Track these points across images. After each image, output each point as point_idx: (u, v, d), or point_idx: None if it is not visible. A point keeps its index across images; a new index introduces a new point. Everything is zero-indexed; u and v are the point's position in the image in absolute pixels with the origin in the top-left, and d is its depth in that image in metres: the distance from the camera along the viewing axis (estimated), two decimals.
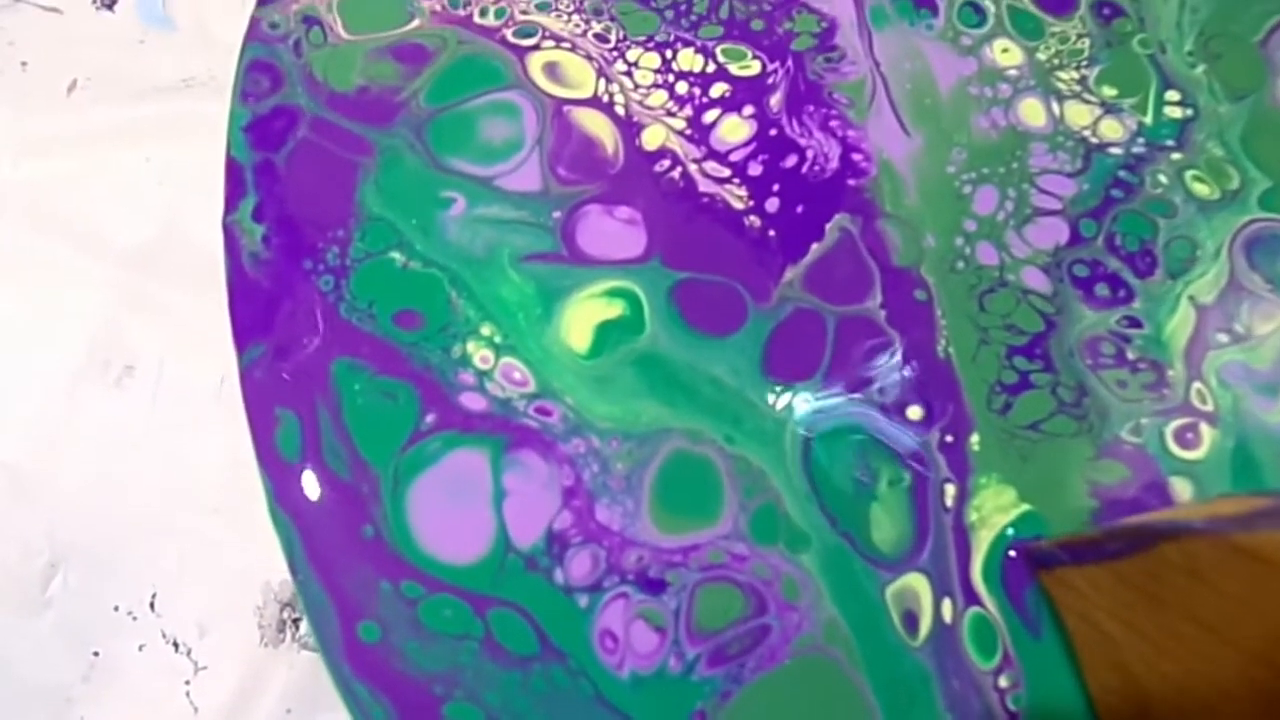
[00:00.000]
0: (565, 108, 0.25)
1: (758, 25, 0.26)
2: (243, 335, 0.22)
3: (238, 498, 0.23)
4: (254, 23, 0.25)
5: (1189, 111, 0.25)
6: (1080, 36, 0.26)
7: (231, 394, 0.22)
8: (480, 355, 0.22)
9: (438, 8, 0.26)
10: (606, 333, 0.22)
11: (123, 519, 0.24)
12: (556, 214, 0.24)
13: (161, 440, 0.24)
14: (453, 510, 0.21)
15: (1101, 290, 0.23)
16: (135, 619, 0.23)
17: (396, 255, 0.23)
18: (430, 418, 0.21)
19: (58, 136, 0.28)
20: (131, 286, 0.26)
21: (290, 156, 0.24)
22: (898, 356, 0.22)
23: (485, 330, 0.22)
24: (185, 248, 0.26)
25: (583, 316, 0.23)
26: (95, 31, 0.30)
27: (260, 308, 0.22)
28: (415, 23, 0.25)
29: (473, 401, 0.22)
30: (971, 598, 0.21)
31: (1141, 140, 0.25)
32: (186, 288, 0.26)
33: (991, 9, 0.26)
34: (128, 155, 0.28)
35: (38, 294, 0.26)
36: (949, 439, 0.22)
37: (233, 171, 0.24)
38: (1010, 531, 0.21)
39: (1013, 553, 0.21)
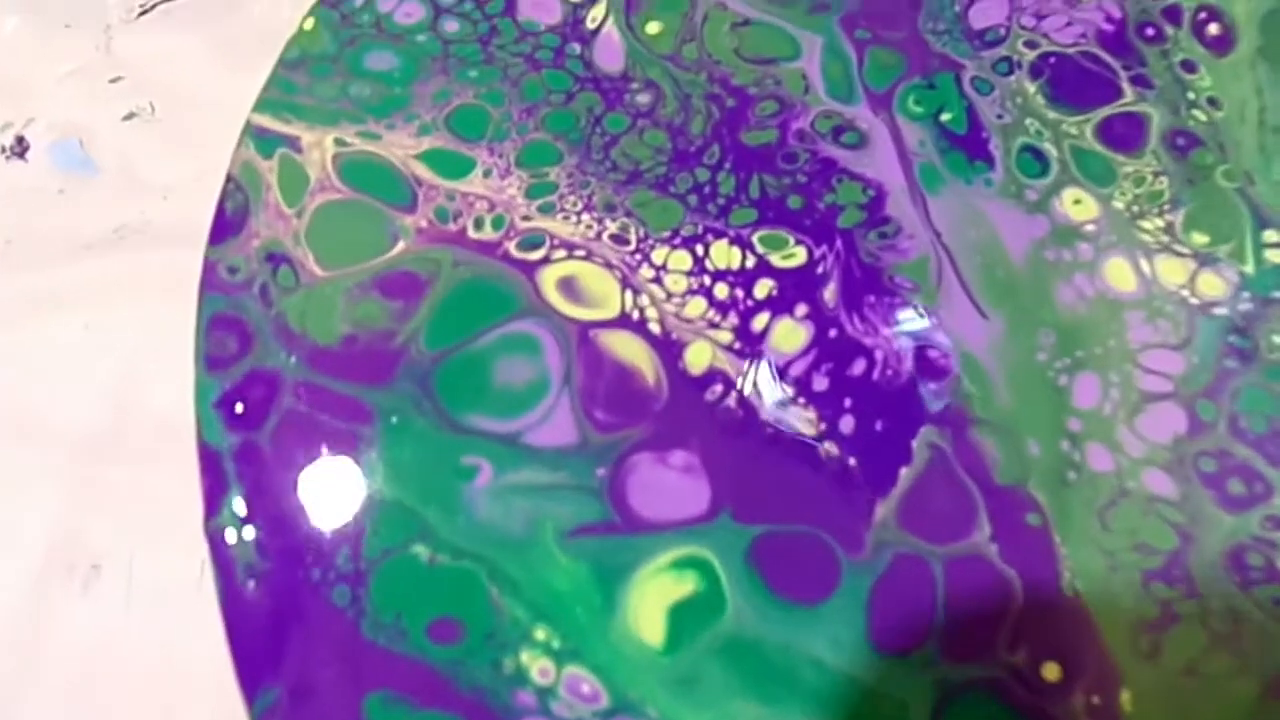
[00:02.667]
0: (591, 333, 0.21)
1: (795, 202, 0.23)
2: (250, 678, 0.18)
3: (230, 704, 0.20)
4: (209, 268, 0.21)
5: None
6: (1157, 175, 0.23)
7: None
8: (539, 667, 0.19)
9: (424, 224, 0.22)
10: (683, 617, 0.19)
11: None
12: (601, 471, 0.20)
13: (140, 647, 0.22)
14: None
15: (1235, 487, 0.20)
16: None
17: (421, 549, 0.19)
18: None
19: None
20: (86, 475, 0.24)
21: (276, 435, 0.20)
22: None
23: (540, 634, 0.19)
24: (141, 423, 0.24)
25: (652, 600, 0.19)
26: (8, 184, 0.27)
27: (265, 639, 0.19)
28: (400, 246, 0.22)
29: None
30: None
31: (1247, 295, 0.22)
32: (148, 469, 0.23)
33: (1053, 153, 0.23)
34: (65, 326, 0.25)
35: None
36: (1095, 700, 0.19)
37: (208, 462, 0.20)
38: None
39: None
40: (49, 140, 0.27)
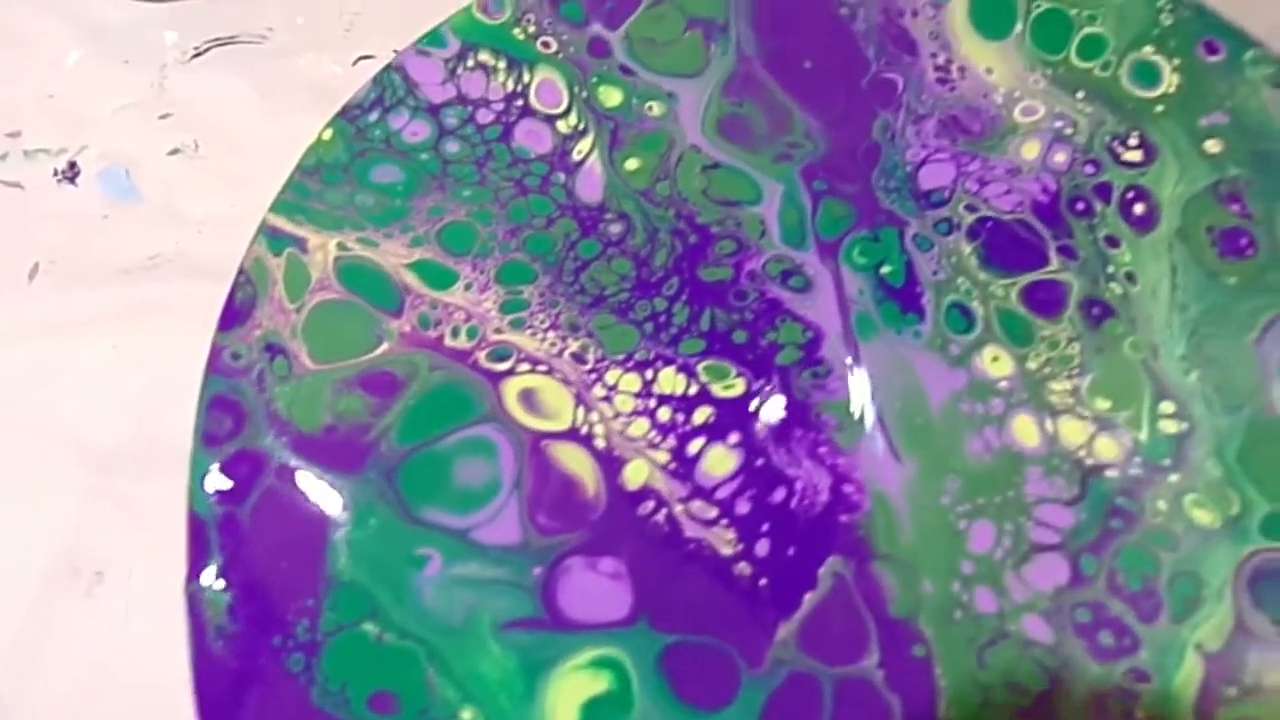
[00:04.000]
0: (543, 443, 0.24)
1: (740, 337, 0.25)
2: None
3: None
4: (215, 352, 0.24)
5: (1184, 425, 0.24)
6: (1071, 341, 0.25)
7: None
8: None
9: (407, 328, 0.25)
10: (594, 712, 0.21)
11: None
12: (537, 570, 0.22)
13: (137, 655, 0.24)
14: None
15: (1106, 639, 0.22)
16: None
17: (370, 627, 0.22)
18: None
19: (20, 327, 0.27)
20: (100, 487, 0.25)
21: (255, 511, 0.23)
22: None
23: (466, 715, 0.21)
24: (157, 443, 0.26)
25: (568, 694, 0.21)
26: (57, 208, 0.29)
27: (227, 695, 0.21)
28: (384, 347, 0.24)
29: None
30: None
31: (1138, 460, 0.24)
32: (159, 485, 0.25)
33: (979, 312, 0.25)
34: (94, 345, 0.27)
35: (1, 499, 0.25)
36: None
37: (195, 530, 0.22)
38: None
39: None
40: (99, 168, 0.29)
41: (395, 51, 0.30)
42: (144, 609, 0.25)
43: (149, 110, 0.30)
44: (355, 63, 0.31)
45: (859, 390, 0.25)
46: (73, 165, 0.29)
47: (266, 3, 0.31)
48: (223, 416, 0.24)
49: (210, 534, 0.22)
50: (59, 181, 0.29)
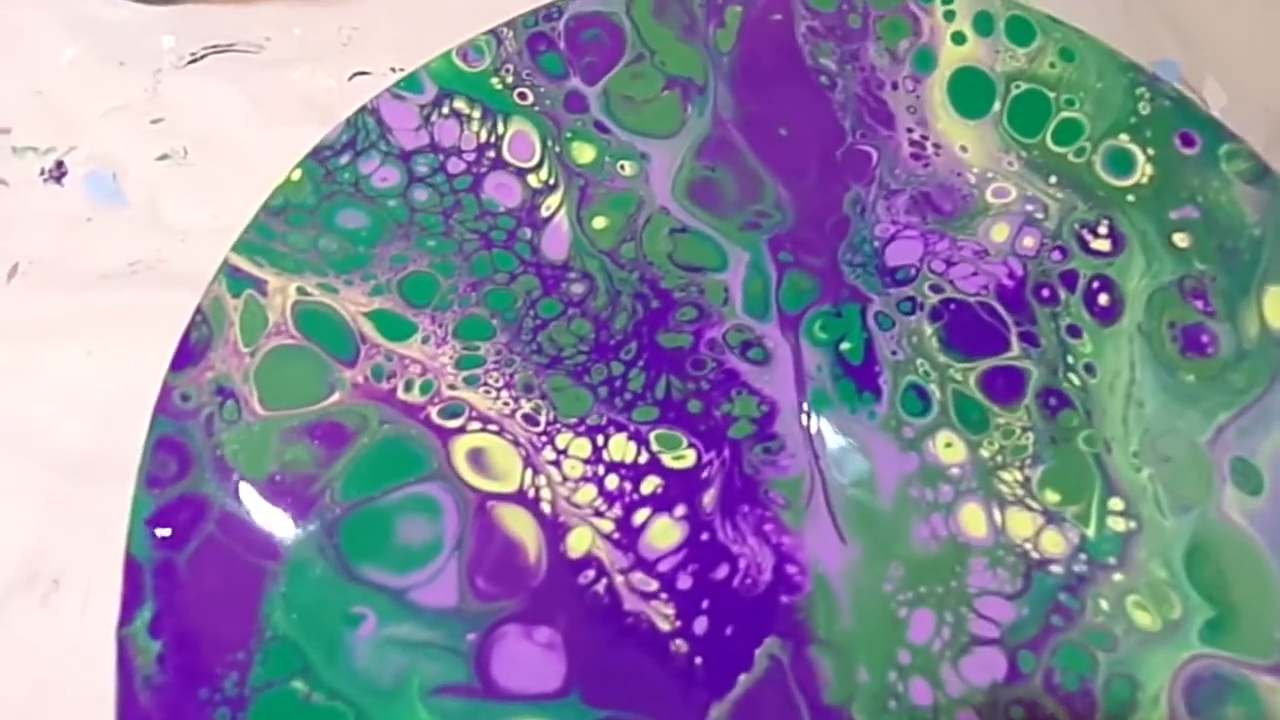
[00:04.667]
0: (489, 504, 0.23)
1: (695, 407, 0.25)
2: None
3: None
4: (165, 392, 0.24)
5: (1132, 524, 0.24)
6: (1025, 430, 0.25)
7: None
8: None
9: (360, 379, 0.24)
10: None
11: None
12: (471, 636, 0.22)
13: (89, 663, 0.23)
14: None
15: None
16: None
17: (300, 685, 0.22)
18: None
19: None
20: (65, 494, 0.25)
21: (193, 558, 0.22)
22: None
23: None
24: (123, 453, 0.25)
25: None
26: (41, 208, 0.29)
27: None
28: (335, 396, 0.24)
29: None
30: None
31: (1084, 557, 0.24)
32: (122, 496, 0.24)
33: (936, 395, 0.25)
34: (68, 349, 0.27)
35: None
36: None
37: (131, 574, 0.22)
38: None
39: None
40: (86, 169, 0.29)
41: (392, 69, 0.31)
42: (99, 619, 0.24)
43: (141, 114, 0.30)
44: (351, 78, 0.31)
45: (809, 469, 0.25)
46: (60, 165, 0.29)
47: (265, 12, 0.31)
48: (168, 459, 0.23)
49: (146, 579, 0.22)
50: (45, 181, 0.29)
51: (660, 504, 0.24)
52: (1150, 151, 0.28)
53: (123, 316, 0.27)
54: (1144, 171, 0.28)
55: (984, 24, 0.29)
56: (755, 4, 0.29)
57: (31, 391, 0.27)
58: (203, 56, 0.31)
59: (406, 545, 0.23)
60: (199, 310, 0.25)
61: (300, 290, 0.25)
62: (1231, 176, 0.27)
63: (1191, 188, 0.27)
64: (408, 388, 0.25)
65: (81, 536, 0.25)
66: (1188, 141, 0.28)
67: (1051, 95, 0.28)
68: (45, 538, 0.25)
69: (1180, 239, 0.27)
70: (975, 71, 0.29)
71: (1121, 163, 0.28)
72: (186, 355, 0.24)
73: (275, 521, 0.23)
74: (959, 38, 0.29)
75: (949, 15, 0.29)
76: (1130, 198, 0.27)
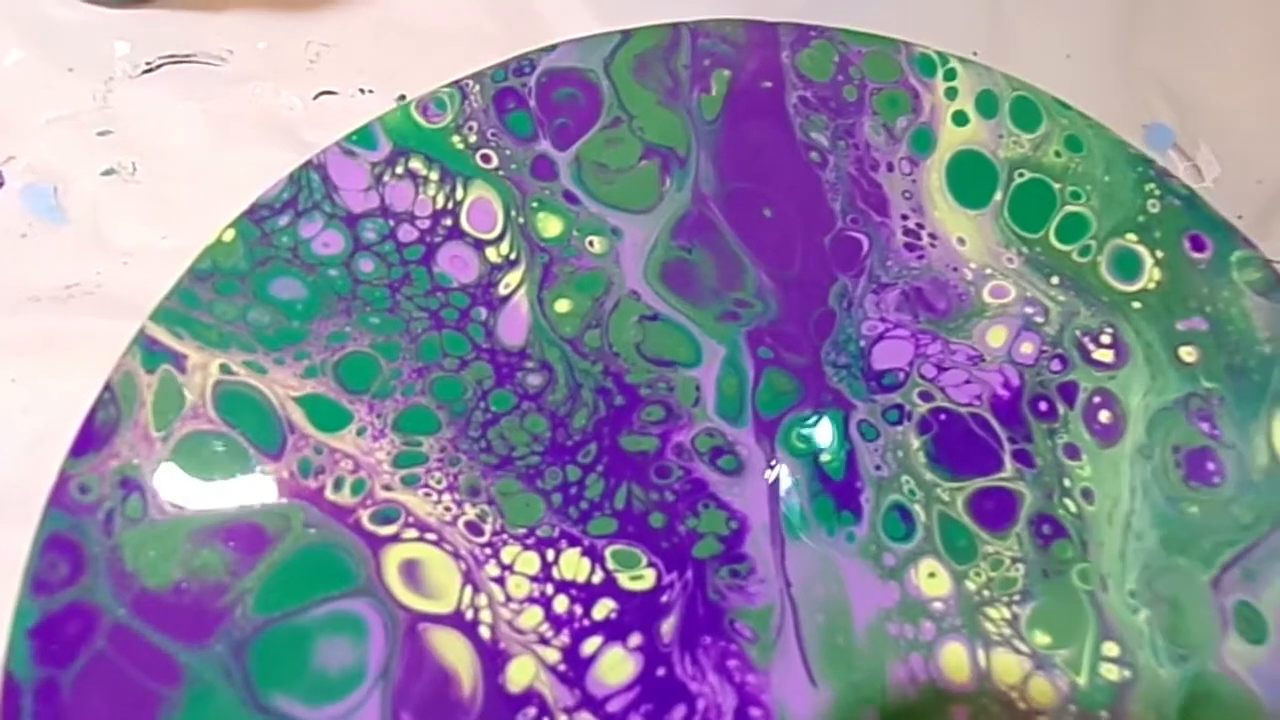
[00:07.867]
0: (421, 626, 0.21)
1: (658, 520, 0.23)
2: None
3: None
4: (61, 482, 0.21)
5: (1127, 673, 0.22)
6: (1015, 561, 0.23)
7: None
8: None
9: (285, 474, 0.22)
10: None
11: None
12: None
13: None
14: None
15: None
16: None
17: None
18: None
19: None
20: None
21: (80, 677, 0.20)
22: None
23: None
24: (40, 491, 0.22)
25: None
26: None
27: None
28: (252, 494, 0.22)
29: None
30: None
31: (1074, 710, 0.22)
32: (26, 538, 0.21)
33: (921, 518, 0.23)
34: None
35: None
36: None
37: (8, 693, 0.19)
38: None
39: None
40: (24, 181, 0.27)
41: (360, 90, 0.28)
42: None
43: (87, 125, 0.27)
44: (316, 97, 0.28)
45: (780, 598, 0.22)
46: None
47: (229, 22, 0.29)
48: (58, 560, 0.21)
49: (25, 700, 0.19)
50: None
51: (613, 632, 0.21)
52: (1159, 254, 0.26)
53: (53, 344, 0.25)
54: (1151, 276, 0.26)
55: (988, 104, 0.27)
56: (745, 69, 0.27)
57: None
58: (158, 66, 0.28)
59: (325, 672, 0.20)
60: (107, 387, 0.22)
61: (224, 368, 0.23)
62: (1243, 286, 0.26)
63: (1201, 297, 0.26)
64: (337, 486, 0.22)
65: None
66: (1198, 245, 0.26)
67: (1056, 187, 0.26)
68: None
69: (1187, 353, 0.25)
70: (977, 155, 0.27)
71: (1128, 265, 0.26)
72: (89, 439, 0.22)
73: (176, 639, 0.20)
74: (961, 118, 0.27)
75: (950, 93, 0.27)
76: (1136, 304, 0.25)
